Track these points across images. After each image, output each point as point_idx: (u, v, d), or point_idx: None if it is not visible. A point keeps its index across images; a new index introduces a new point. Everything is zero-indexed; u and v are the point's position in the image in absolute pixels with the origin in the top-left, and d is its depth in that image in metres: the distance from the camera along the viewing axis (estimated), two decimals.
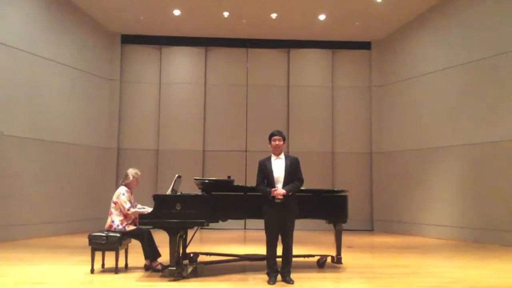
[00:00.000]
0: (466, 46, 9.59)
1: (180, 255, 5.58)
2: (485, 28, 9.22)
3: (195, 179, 5.36)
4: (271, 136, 5.05)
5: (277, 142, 4.99)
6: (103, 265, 5.52)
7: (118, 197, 5.43)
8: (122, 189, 5.50)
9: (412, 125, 10.77)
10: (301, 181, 4.99)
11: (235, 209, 5.42)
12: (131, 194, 5.62)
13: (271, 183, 4.89)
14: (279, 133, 5.06)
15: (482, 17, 9.30)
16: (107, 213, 5.48)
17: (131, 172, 5.63)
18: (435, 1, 10.15)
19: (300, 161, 5.07)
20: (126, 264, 5.58)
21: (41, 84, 9.39)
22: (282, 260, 4.93)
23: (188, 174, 6.80)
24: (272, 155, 5.03)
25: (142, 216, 5.11)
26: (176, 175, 5.46)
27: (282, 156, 5.01)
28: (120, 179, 5.81)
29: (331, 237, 6.14)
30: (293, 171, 4.93)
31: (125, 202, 5.38)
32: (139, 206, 5.57)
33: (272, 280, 4.78)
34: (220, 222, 5.37)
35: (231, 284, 4.81)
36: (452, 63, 9.86)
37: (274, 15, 10.68)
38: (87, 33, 10.75)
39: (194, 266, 5.38)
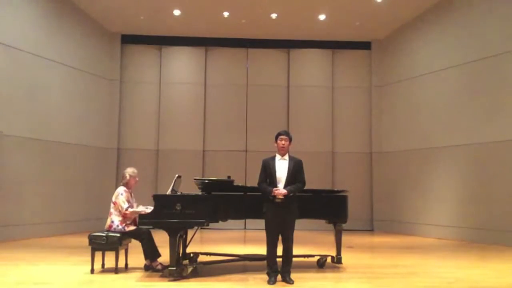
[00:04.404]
0: (466, 46, 9.59)
1: (180, 255, 5.58)
2: (485, 28, 9.22)
3: (195, 179, 5.36)
4: (278, 135, 5.06)
5: (283, 142, 5.00)
6: (103, 265, 5.52)
7: (116, 197, 5.42)
8: (121, 189, 5.49)
9: (412, 125, 10.77)
10: (303, 184, 4.99)
11: (235, 209, 5.43)
12: (131, 194, 5.62)
13: (273, 182, 4.89)
14: (286, 133, 5.08)
15: (482, 17, 9.30)
16: (107, 213, 5.48)
17: (128, 171, 5.62)
18: (435, 1, 10.15)
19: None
20: (126, 264, 5.58)
21: (41, 84, 9.39)
22: (282, 260, 4.93)
23: (188, 174, 6.79)
24: (277, 154, 5.04)
25: (142, 216, 5.09)
26: (176, 175, 5.46)
27: (287, 157, 5.02)
28: (120, 180, 5.81)
29: (331, 237, 6.14)
30: (295, 173, 4.94)
31: (123, 202, 5.37)
32: (141, 206, 5.56)
33: (272, 280, 4.78)
34: (220, 222, 5.37)
35: (231, 284, 4.81)
36: (452, 63, 9.86)
37: (274, 15, 10.68)
38: (87, 33, 10.75)
39: (194, 266, 5.38)
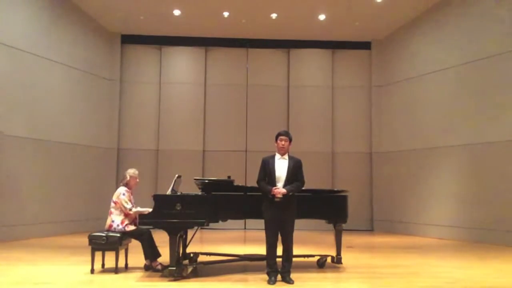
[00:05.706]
0: (466, 46, 9.59)
1: (180, 255, 5.58)
2: (485, 28, 9.22)
3: (195, 179, 5.37)
4: (278, 135, 5.09)
5: (283, 142, 5.03)
6: (103, 265, 5.52)
7: (118, 197, 5.42)
8: (122, 189, 5.49)
9: (412, 125, 10.77)
10: (302, 183, 5.02)
11: (235, 209, 5.43)
12: (131, 194, 5.62)
13: (272, 181, 4.90)
14: (286, 133, 5.10)
15: (482, 17, 9.30)
16: (107, 213, 5.48)
17: (129, 171, 5.64)
18: (435, 1, 10.15)
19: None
20: (126, 264, 5.58)
21: (41, 84, 9.39)
22: (282, 260, 4.93)
23: (188, 174, 6.80)
24: (277, 154, 5.06)
25: (142, 216, 5.11)
26: (176, 175, 5.46)
27: (286, 156, 5.05)
28: (120, 180, 5.81)
29: (331, 237, 6.14)
30: (295, 173, 4.96)
31: (126, 202, 5.38)
32: (139, 208, 5.56)
33: (272, 280, 4.78)
34: (220, 222, 5.38)
35: (231, 284, 4.81)
36: (452, 63, 9.86)
37: (274, 15, 10.68)
38: (87, 33, 10.75)
39: (194, 266, 5.38)
